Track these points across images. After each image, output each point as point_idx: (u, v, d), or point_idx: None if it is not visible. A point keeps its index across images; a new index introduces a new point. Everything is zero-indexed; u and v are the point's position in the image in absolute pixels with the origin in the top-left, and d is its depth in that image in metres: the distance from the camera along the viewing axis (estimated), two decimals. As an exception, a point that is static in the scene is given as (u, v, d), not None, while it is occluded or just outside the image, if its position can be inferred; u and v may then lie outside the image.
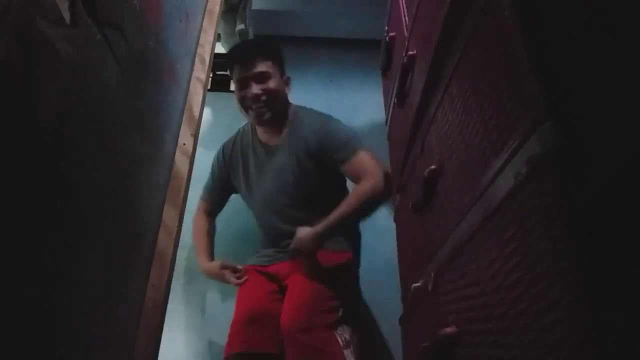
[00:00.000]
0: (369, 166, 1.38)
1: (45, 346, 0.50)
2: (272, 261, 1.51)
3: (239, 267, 1.51)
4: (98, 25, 0.57)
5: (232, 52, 1.61)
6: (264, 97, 1.44)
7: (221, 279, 1.51)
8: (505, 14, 0.46)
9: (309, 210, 1.47)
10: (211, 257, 1.59)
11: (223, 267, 1.50)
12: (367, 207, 1.40)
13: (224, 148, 1.69)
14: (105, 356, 0.66)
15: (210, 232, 1.65)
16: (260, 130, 1.58)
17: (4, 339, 0.43)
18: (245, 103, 1.47)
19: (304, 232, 1.38)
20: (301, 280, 1.38)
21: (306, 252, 1.38)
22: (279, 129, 1.53)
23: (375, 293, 1.75)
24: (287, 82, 1.56)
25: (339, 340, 1.28)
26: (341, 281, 1.42)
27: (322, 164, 1.46)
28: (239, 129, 1.70)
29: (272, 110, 1.47)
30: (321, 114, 1.56)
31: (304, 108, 1.59)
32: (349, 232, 1.52)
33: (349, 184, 1.51)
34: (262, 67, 1.46)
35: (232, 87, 1.97)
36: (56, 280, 0.52)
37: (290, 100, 1.60)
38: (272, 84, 1.47)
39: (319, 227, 1.36)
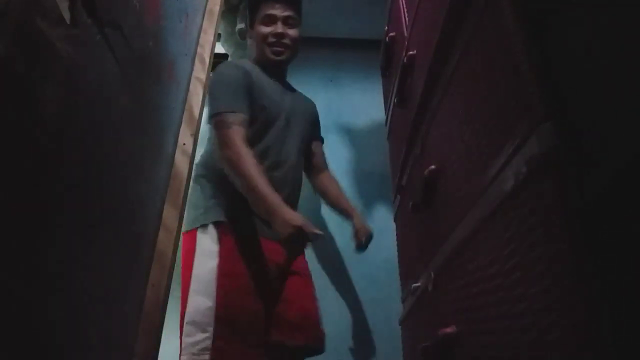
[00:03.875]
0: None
1: (45, 346, 0.50)
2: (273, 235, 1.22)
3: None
4: (98, 25, 0.57)
5: None
6: (286, 40, 1.48)
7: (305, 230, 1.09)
8: (505, 14, 0.46)
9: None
10: None
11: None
12: None
13: (244, 66, 1.44)
14: (105, 356, 0.66)
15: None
16: (263, 71, 1.50)
17: (4, 338, 0.43)
18: (268, 39, 1.48)
19: (362, 218, 1.44)
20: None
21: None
22: (283, 77, 1.56)
23: (375, 293, 1.75)
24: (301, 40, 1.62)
25: None
26: None
27: (310, 134, 1.56)
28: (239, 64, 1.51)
29: (289, 55, 1.51)
30: None
31: None
32: None
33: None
34: (292, 12, 1.52)
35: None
36: (56, 280, 0.51)
37: None
38: (296, 33, 1.52)
39: (357, 214, 1.46)
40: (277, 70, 1.52)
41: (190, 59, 1.08)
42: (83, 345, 0.59)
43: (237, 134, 1.21)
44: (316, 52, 2.32)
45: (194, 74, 1.10)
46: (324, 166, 1.61)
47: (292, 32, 1.50)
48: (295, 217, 1.09)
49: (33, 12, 0.44)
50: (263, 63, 1.51)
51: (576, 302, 0.32)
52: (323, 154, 1.62)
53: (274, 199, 1.13)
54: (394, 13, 1.22)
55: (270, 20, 1.49)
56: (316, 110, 1.63)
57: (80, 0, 0.52)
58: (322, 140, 1.64)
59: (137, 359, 0.77)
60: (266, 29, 1.48)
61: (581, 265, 0.33)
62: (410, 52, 0.91)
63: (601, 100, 0.34)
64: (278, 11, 1.49)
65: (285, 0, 1.52)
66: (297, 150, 1.44)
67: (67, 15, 0.50)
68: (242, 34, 1.92)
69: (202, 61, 1.13)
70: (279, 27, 1.47)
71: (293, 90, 1.59)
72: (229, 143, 1.20)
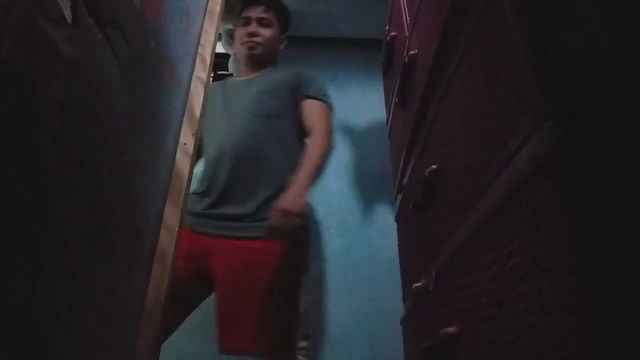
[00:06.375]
0: (326, 122, 1.49)
1: (45, 346, 0.50)
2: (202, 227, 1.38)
3: None
4: (99, 25, 0.57)
5: None
6: (258, 38, 1.62)
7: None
8: (507, 13, 0.46)
9: (269, 129, 1.45)
10: None
11: None
12: (323, 165, 1.37)
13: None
14: (106, 356, 0.66)
15: None
16: (242, 71, 1.69)
17: (4, 338, 0.43)
18: (243, 38, 1.64)
19: (286, 198, 1.21)
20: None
21: (293, 222, 1.20)
22: (262, 69, 1.65)
23: (377, 293, 1.75)
24: (283, 40, 1.73)
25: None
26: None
27: (293, 96, 1.52)
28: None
29: (262, 50, 1.63)
30: None
31: None
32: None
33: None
34: (267, 14, 1.65)
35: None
36: (56, 280, 0.52)
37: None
38: (269, 32, 1.64)
39: (298, 183, 1.25)
40: (253, 64, 1.64)
41: (191, 59, 1.08)
42: (83, 345, 0.59)
43: None
44: (316, 52, 2.32)
45: (195, 73, 1.10)
46: (310, 130, 1.46)
47: (265, 31, 1.63)
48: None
49: (35, 12, 0.44)
50: (241, 61, 1.68)
51: (576, 303, 0.32)
52: (312, 113, 1.49)
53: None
54: (395, 12, 1.22)
55: (246, 22, 1.65)
56: (293, 76, 1.55)
57: (81, 0, 0.52)
58: (312, 96, 1.51)
59: (138, 359, 0.77)
60: (242, 30, 1.65)
61: (582, 266, 0.33)
62: (412, 52, 0.91)
63: (603, 99, 0.34)
64: (253, 13, 1.64)
65: (262, 2, 1.66)
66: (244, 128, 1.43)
67: (68, 15, 0.50)
68: (231, 34, 1.94)
69: (203, 61, 1.13)
70: (252, 27, 1.62)
71: (271, 70, 1.64)
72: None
